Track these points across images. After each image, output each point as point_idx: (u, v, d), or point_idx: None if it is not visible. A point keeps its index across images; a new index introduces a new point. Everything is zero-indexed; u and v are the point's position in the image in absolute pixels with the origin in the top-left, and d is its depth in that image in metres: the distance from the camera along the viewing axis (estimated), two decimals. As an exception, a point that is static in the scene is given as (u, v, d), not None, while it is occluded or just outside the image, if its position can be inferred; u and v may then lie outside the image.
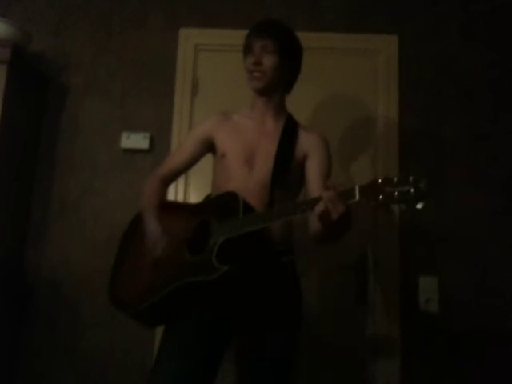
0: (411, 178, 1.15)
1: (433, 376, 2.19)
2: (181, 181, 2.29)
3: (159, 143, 2.40)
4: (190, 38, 2.47)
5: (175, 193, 2.33)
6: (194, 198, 2.31)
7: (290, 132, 1.63)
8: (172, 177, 1.74)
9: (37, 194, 2.40)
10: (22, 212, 2.36)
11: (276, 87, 1.64)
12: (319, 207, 1.25)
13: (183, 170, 1.75)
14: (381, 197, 1.17)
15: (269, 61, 1.57)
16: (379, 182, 1.19)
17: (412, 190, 1.14)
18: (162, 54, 2.48)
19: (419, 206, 1.14)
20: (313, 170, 1.60)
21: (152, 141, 2.40)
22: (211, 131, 1.67)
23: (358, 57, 2.46)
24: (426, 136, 2.38)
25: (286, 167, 1.57)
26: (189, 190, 2.37)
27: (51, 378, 2.24)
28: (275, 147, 1.59)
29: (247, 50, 1.62)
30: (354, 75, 2.44)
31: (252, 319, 1.50)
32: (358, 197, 1.21)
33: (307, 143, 1.63)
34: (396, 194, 1.15)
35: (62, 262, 2.33)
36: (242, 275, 1.43)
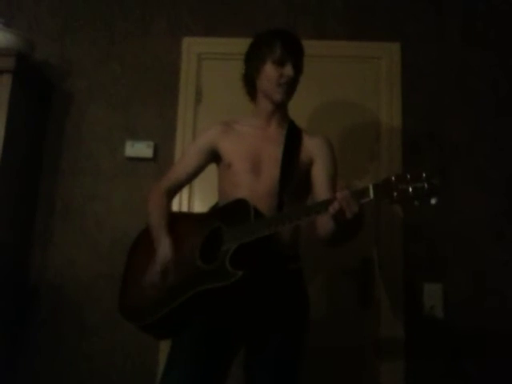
0: (424, 175, 1.17)
1: (437, 381, 2.19)
2: (185, 190, 2.28)
3: (163, 151, 2.40)
4: (193, 47, 2.48)
5: (179, 202, 2.33)
6: (199, 206, 2.32)
7: (293, 137, 1.64)
8: (176, 189, 1.74)
9: (41, 200, 2.41)
10: (26, 217, 2.36)
11: (289, 101, 1.67)
12: (334, 207, 1.26)
13: (187, 181, 1.75)
14: (395, 194, 1.19)
15: (298, 77, 1.61)
16: (393, 180, 1.20)
17: (426, 186, 1.15)
18: (166, 63, 2.49)
19: (433, 201, 1.16)
20: (320, 174, 1.61)
21: (156, 149, 2.40)
22: (214, 141, 1.67)
23: (361, 64, 2.47)
24: (429, 141, 2.39)
25: (293, 172, 1.57)
26: (193, 199, 2.37)
27: (53, 381, 2.25)
28: (280, 152, 1.60)
29: (276, 59, 1.58)
30: (357, 82, 2.44)
31: (259, 326, 1.51)
32: (372, 195, 1.22)
33: (312, 147, 1.64)
34: (410, 190, 1.17)
35: (66, 266, 2.34)
36: (256, 281, 1.43)
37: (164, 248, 1.55)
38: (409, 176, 1.19)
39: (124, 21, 2.55)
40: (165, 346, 2.04)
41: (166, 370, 1.48)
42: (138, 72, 2.50)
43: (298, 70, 1.61)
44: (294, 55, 1.59)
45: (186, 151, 1.82)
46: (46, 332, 2.28)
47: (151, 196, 1.70)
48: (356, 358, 2.23)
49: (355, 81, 2.45)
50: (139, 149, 2.39)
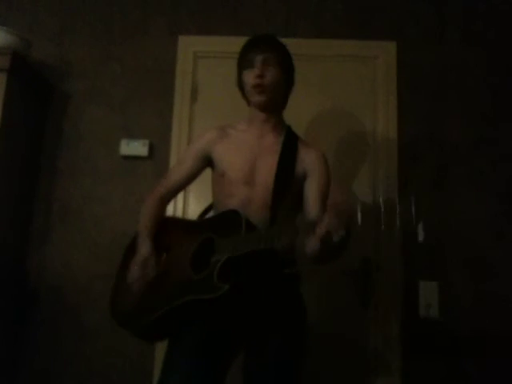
0: (412, 198, 1.18)
1: (437, 381, 2.18)
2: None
3: (159, 150, 2.40)
4: (189, 45, 2.48)
5: (174, 204, 2.32)
6: (194, 207, 2.31)
7: (290, 147, 1.61)
8: (172, 194, 1.74)
9: (39, 201, 2.41)
10: (24, 218, 2.36)
11: (277, 102, 1.63)
12: (321, 230, 1.25)
13: (183, 186, 1.75)
14: (383, 227, 1.21)
15: (271, 73, 1.57)
16: (381, 203, 1.21)
17: (413, 209, 1.16)
18: (162, 61, 2.49)
19: (420, 228, 1.17)
20: (312, 191, 1.58)
21: (151, 148, 2.40)
22: (209, 147, 1.66)
23: (357, 63, 2.46)
24: (425, 141, 2.38)
25: (288, 184, 1.55)
26: (188, 202, 2.36)
27: (53, 381, 2.25)
28: (275, 162, 1.57)
29: (247, 64, 1.59)
30: (353, 81, 2.44)
31: (257, 330, 1.50)
32: (359, 218, 1.23)
33: (307, 160, 1.60)
34: (397, 212, 1.18)
35: (64, 267, 2.34)
36: (244, 292, 1.44)
37: (143, 246, 1.55)
38: (397, 206, 1.20)
39: (122, 20, 2.55)
40: (163, 345, 2.04)
41: (165, 373, 1.48)
42: (135, 71, 2.50)
43: (269, 64, 1.56)
44: (262, 54, 1.57)
45: (181, 157, 1.80)
46: (45, 332, 2.29)
47: (145, 202, 1.69)
48: (355, 358, 2.22)
49: (352, 79, 2.44)
50: (134, 147, 2.38)
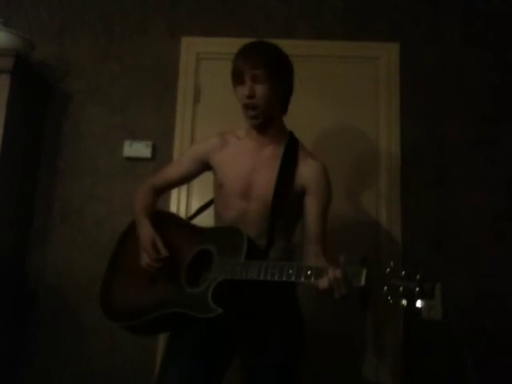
0: (418, 276, 1.17)
1: (434, 381, 2.19)
2: (183, 189, 2.32)
3: (161, 151, 2.40)
4: (191, 47, 2.48)
5: (178, 201, 2.34)
6: (197, 205, 2.30)
7: (289, 160, 1.57)
8: (164, 188, 1.73)
9: (39, 200, 2.41)
10: (24, 218, 2.36)
11: (272, 115, 1.57)
12: (324, 284, 1.25)
13: (177, 184, 1.76)
14: (385, 288, 1.19)
15: (261, 90, 1.50)
16: (387, 272, 1.20)
17: (417, 289, 1.16)
18: (164, 62, 2.49)
19: (419, 304, 1.16)
20: (312, 208, 1.54)
21: (154, 149, 2.40)
22: (209, 153, 1.64)
23: (360, 64, 2.47)
24: (427, 141, 2.39)
25: (285, 198, 1.52)
26: (191, 199, 2.37)
27: (53, 381, 2.25)
28: (273, 176, 1.54)
29: (238, 79, 1.54)
30: (355, 82, 2.44)
31: (253, 330, 1.51)
32: (363, 282, 1.22)
33: (307, 174, 1.55)
34: (401, 289, 1.17)
35: (65, 267, 2.34)
36: (238, 312, 1.43)
37: (145, 228, 1.54)
38: (404, 273, 1.18)
39: (123, 20, 2.55)
40: (164, 345, 2.04)
41: (164, 371, 1.48)
42: (137, 72, 2.50)
43: (259, 81, 1.49)
44: (251, 70, 1.49)
45: (182, 156, 1.79)
46: (45, 332, 2.29)
47: (138, 191, 1.68)
48: (355, 359, 2.22)
49: (354, 81, 2.44)
50: (137, 149, 2.39)
